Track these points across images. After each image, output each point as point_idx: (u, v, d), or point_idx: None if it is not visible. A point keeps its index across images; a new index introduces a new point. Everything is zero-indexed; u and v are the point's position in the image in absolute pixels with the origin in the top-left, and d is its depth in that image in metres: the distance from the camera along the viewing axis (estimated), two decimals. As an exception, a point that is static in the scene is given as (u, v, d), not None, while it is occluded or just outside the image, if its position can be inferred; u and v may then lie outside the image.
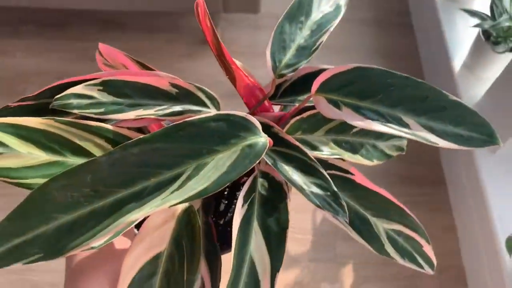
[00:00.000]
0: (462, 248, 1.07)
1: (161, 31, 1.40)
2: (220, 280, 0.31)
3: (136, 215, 0.23)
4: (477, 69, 1.05)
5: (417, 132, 0.28)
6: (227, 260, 0.33)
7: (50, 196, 0.23)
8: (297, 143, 0.30)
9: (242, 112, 0.26)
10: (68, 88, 0.31)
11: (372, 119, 0.29)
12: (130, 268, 0.28)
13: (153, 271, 0.28)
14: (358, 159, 0.38)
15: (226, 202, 0.39)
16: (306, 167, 0.30)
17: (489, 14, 0.96)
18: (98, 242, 0.23)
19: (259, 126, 0.26)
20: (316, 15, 0.35)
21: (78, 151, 0.28)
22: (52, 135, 0.27)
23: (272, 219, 0.31)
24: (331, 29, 0.34)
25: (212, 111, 0.32)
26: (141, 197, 0.24)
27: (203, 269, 0.31)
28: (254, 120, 0.26)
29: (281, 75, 0.33)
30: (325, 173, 0.29)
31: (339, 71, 0.30)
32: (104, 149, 0.29)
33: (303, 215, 1.06)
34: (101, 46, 0.37)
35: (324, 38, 0.33)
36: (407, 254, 0.33)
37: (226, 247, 0.35)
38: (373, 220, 0.34)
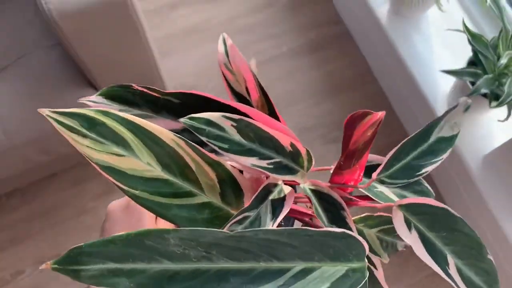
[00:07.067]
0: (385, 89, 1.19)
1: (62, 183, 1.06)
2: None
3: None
4: (403, 11, 1.05)
5: (451, 272, 0.30)
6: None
7: (166, 241, 0.21)
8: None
9: (360, 238, 0.25)
10: (198, 100, 0.28)
11: (428, 251, 0.30)
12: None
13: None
14: (384, 256, 0.39)
15: None
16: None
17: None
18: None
19: (366, 252, 0.25)
20: (433, 138, 0.34)
21: (190, 178, 0.26)
22: (176, 154, 0.25)
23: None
24: (438, 163, 0.33)
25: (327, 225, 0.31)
26: (245, 276, 0.23)
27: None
28: (366, 247, 0.25)
29: (382, 181, 0.32)
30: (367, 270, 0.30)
31: (426, 203, 0.30)
32: (212, 184, 0.27)
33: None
34: (230, 44, 0.33)
35: (430, 169, 0.33)
36: None
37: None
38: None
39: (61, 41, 0.67)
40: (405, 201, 0.31)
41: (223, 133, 0.26)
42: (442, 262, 0.30)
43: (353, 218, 0.34)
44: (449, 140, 0.34)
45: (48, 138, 0.78)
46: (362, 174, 0.31)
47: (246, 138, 0.27)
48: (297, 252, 0.24)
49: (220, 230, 0.22)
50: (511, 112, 0.80)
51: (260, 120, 0.28)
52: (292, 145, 0.29)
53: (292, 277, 0.23)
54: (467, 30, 0.78)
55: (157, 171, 0.25)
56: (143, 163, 0.24)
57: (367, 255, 0.37)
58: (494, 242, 0.93)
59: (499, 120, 0.83)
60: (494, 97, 0.80)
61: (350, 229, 0.30)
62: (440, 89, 1.00)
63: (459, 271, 0.30)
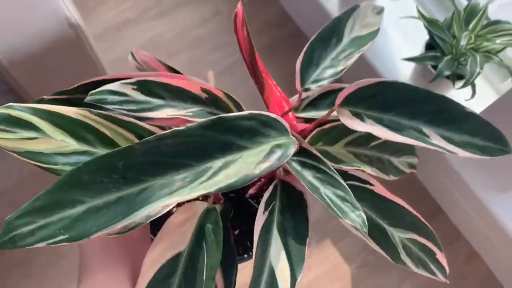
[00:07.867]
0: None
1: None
2: (235, 286, 0.29)
3: (164, 203, 0.22)
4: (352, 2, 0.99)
5: (436, 142, 0.28)
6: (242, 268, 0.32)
7: (80, 180, 0.22)
8: (318, 154, 0.29)
9: (275, 115, 0.25)
10: (103, 85, 0.30)
11: (395, 131, 0.28)
12: (149, 267, 0.26)
13: (173, 271, 0.26)
14: (375, 171, 0.36)
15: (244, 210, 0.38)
16: (327, 178, 0.29)
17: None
18: (123, 224, 0.22)
19: (289, 129, 0.25)
20: (346, 39, 0.35)
21: (108, 143, 0.27)
22: (86, 125, 0.27)
23: (291, 227, 0.30)
24: (357, 56, 0.33)
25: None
26: (170, 188, 0.23)
27: (217, 274, 0.30)
28: (284, 122, 0.25)
29: (307, 89, 0.32)
30: (344, 184, 0.28)
31: (363, 85, 0.29)
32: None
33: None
34: (136, 51, 0.37)
35: (350, 62, 0.33)
36: (421, 262, 0.32)
37: (241, 257, 0.34)
38: (390, 230, 0.33)
39: (13, 87, 0.66)
40: (340, 97, 0.30)
41: (127, 97, 0.29)
42: (418, 135, 0.28)
43: (306, 140, 0.33)
44: (367, 37, 0.35)
45: (16, 189, 0.76)
46: (277, 86, 0.32)
47: (152, 96, 0.29)
48: (214, 146, 0.24)
49: (126, 145, 0.22)
50: (475, 90, 0.82)
51: (161, 77, 0.30)
52: (204, 90, 0.31)
53: (215, 172, 0.23)
54: (422, 16, 0.82)
55: (73, 145, 0.26)
56: (57, 141, 0.26)
57: (356, 177, 0.35)
58: (485, 228, 0.89)
59: (465, 100, 0.84)
60: (457, 78, 0.83)
61: (312, 155, 0.29)
62: (401, 74, 1.03)
63: (448, 139, 0.27)
